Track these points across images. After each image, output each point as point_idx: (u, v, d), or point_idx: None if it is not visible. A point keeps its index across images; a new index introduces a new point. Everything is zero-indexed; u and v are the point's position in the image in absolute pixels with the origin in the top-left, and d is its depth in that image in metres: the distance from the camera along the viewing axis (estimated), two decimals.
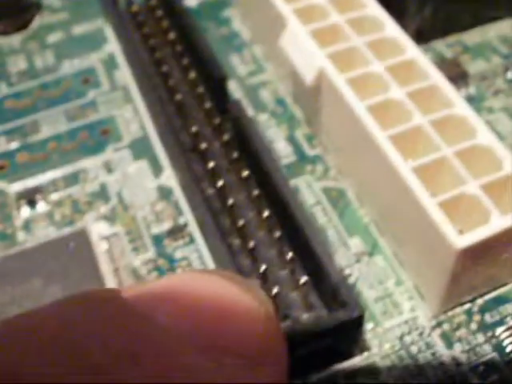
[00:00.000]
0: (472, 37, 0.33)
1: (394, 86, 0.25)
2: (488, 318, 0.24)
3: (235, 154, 0.25)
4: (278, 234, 0.24)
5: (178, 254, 0.26)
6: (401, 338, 0.24)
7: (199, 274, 0.16)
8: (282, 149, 0.29)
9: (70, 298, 0.14)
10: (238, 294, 0.15)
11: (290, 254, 0.23)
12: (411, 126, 0.24)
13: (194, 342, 0.14)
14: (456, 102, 0.24)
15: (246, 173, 0.25)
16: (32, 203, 0.28)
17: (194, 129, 0.26)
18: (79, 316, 0.14)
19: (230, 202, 0.24)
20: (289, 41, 0.27)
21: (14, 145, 0.30)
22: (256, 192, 0.24)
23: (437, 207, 0.22)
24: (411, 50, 0.26)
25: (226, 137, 0.26)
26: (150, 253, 0.26)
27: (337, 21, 0.27)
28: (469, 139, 0.23)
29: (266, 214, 0.24)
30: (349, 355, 0.23)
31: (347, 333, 0.22)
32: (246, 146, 0.25)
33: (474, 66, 0.32)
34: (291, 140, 0.29)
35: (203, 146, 0.26)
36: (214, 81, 0.27)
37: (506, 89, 0.31)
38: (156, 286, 0.15)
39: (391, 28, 0.27)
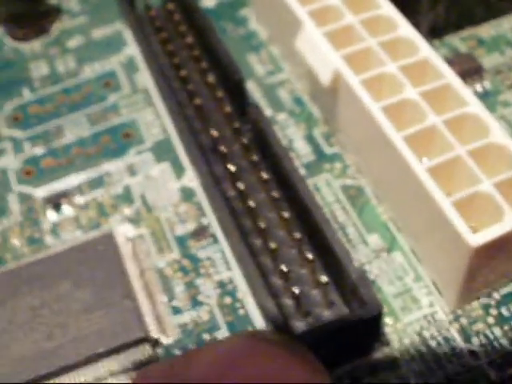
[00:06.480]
0: (486, 30, 0.33)
1: (408, 86, 0.25)
2: (505, 311, 0.24)
3: (255, 157, 0.26)
4: (298, 235, 0.24)
5: (202, 255, 0.27)
6: (420, 332, 0.24)
7: (258, 347, 0.17)
8: (300, 148, 0.30)
9: None
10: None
11: (310, 255, 0.23)
12: (425, 125, 0.24)
13: None
14: (469, 100, 0.25)
15: (265, 175, 0.25)
16: (58, 207, 0.29)
17: (214, 132, 0.26)
18: None
19: (251, 203, 0.25)
20: (304, 43, 0.28)
21: (39, 150, 0.31)
22: (276, 194, 0.25)
23: (451, 206, 0.22)
24: (424, 49, 0.26)
25: (245, 140, 0.26)
26: (175, 254, 0.27)
27: (351, 22, 0.28)
28: (482, 138, 0.24)
29: (286, 215, 0.25)
30: (369, 350, 0.24)
31: (367, 330, 0.23)
32: (265, 149, 0.26)
33: (489, 60, 0.32)
34: (309, 139, 0.30)
35: (223, 148, 0.26)
36: (232, 84, 0.28)
37: None
38: (223, 361, 0.17)
39: (404, 27, 0.27)
